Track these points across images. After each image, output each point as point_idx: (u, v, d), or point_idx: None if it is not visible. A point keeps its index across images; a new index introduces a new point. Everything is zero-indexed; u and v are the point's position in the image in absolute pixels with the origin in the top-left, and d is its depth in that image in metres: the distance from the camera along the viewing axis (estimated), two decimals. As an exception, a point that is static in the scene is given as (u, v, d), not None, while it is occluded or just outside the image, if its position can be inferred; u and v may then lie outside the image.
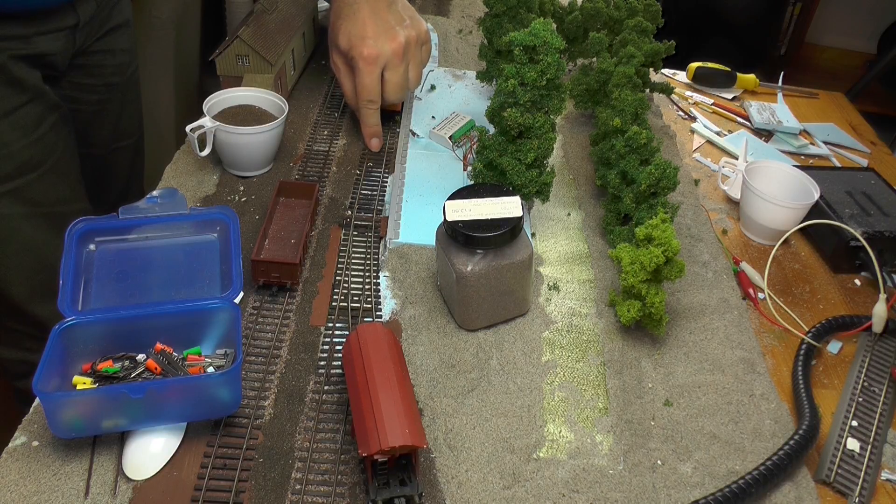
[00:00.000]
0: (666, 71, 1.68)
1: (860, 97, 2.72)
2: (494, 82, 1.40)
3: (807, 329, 1.03)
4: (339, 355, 0.92)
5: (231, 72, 1.30)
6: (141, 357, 0.84)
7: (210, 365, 0.84)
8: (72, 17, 1.22)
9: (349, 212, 1.15)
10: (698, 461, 0.83)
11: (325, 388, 0.88)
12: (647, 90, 1.35)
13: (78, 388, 0.79)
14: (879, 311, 1.02)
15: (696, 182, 1.32)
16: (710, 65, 1.65)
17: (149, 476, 0.76)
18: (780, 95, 1.64)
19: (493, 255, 0.91)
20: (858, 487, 0.83)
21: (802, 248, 1.21)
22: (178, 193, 1.01)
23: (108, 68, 1.38)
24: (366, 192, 1.20)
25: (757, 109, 1.56)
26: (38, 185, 1.23)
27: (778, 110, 1.57)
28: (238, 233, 0.96)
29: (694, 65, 1.66)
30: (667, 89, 1.36)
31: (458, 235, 0.90)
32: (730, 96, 1.64)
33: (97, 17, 1.30)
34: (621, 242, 1.00)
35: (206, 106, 1.17)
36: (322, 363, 0.91)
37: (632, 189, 1.05)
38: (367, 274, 1.04)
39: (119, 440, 0.79)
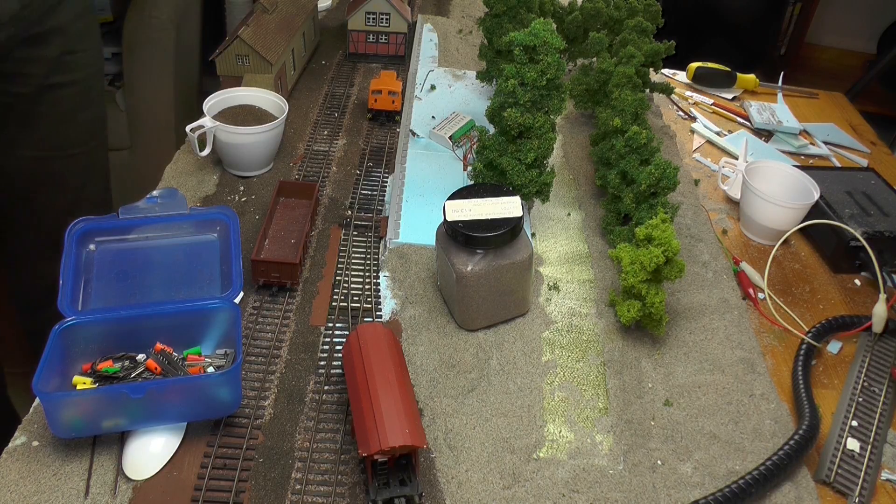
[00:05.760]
0: (666, 71, 1.68)
1: (860, 97, 2.71)
2: (494, 82, 1.40)
3: (807, 329, 1.03)
4: (339, 355, 0.92)
5: (231, 72, 1.30)
6: (141, 357, 0.84)
7: (210, 365, 0.84)
8: None
9: (349, 212, 1.15)
10: (698, 461, 0.83)
11: (325, 388, 0.88)
12: (647, 90, 1.35)
13: (78, 388, 0.79)
14: (879, 311, 1.02)
15: (696, 182, 1.32)
16: (710, 65, 1.65)
17: (149, 476, 0.76)
18: (780, 95, 1.64)
19: (493, 255, 0.91)
20: (858, 487, 0.83)
21: (802, 248, 1.21)
22: (178, 193, 1.01)
23: (35, 76, 1.32)
24: (366, 192, 1.20)
25: (757, 109, 1.56)
26: None
27: (778, 110, 1.57)
28: (238, 233, 0.96)
29: (694, 65, 1.66)
30: (667, 89, 1.36)
31: (458, 235, 0.90)
32: (730, 96, 1.64)
33: (25, 18, 1.24)
34: (621, 242, 1.00)
35: (206, 106, 1.17)
36: (322, 363, 0.91)
37: (632, 189, 1.05)
38: (367, 274, 1.04)
39: (119, 440, 0.79)
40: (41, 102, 1.36)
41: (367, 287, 1.02)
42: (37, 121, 1.37)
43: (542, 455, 0.82)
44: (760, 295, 1.10)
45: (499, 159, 1.04)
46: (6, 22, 1.22)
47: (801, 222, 1.15)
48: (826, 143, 1.51)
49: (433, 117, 1.35)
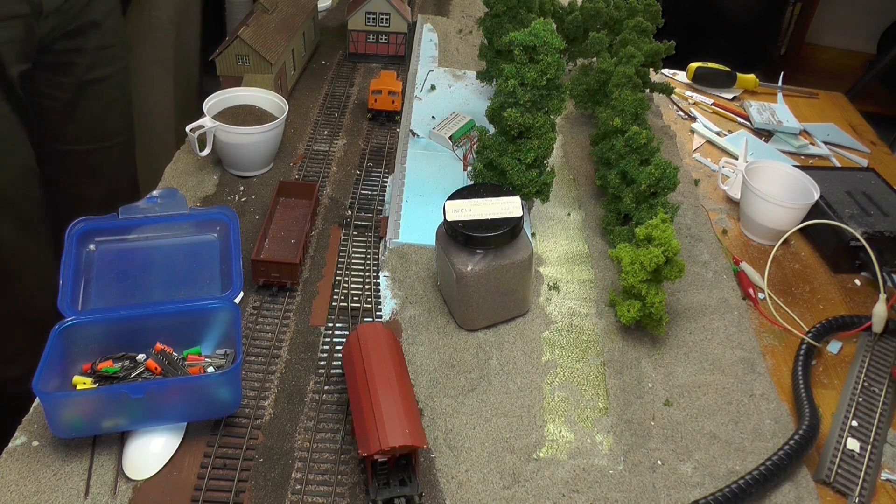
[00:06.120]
0: (666, 71, 1.68)
1: (860, 97, 2.71)
2: (494, 82, 1.40)
3: (807, 329, 1.03)
4: (339, 355, 0.92)
5: (231, 72, 1.30)
6: (141, 357, 0.84)
7: (210, 365, 0.84)
8: (23, 4, 1.21)
9: (349, 212, 1.15)
10: (698, 461, 0.83)
11: (325, 388, 0.88)
12: (647, 90, 1.35)
13: (78, 388, 0.79)
14: (879, 311, 1.02)
15: (696, 182, 1.32)
16: (710, 65, 1.65)
17: (149, 476, 0.76)
18: (780, 95, 1.64)
19: (493, 255, 0.91)
20: (858, 487, 0.83)
21: (802, 248, 1.21)
22: (178, 193, 1.01)
23: (79, 67, 1.37)
24: (366, 192, 1.20)
25: (757, 109, 1.56)
26: None
27: (778, 110, 1.57)
28: (238, 233, 0.96)
29: (694, 65, 1.66)
30: (667, 89, 1.36)
31: (458, 235, 0.90)
32: (730, 96, 1.64)
33: (66, 11, 1.30)
34: (621, 242, 1.00)
35: (206, 106, 1.17)
36: (322, 363, 0.91)
37: (632, 189, 1.05)
38: (367, 274, 1.04)
39: (119, 440, 0.79)
40: (82, 96, 1.41)
41: (367, 287, 1.02)
42: (78, 115, 1.42)
43: (542, 455, 0.82)
44: (760, 295, 1.10)
45: (499, 159, 1.04)
46: (52, 13, 1.27)
47: (801, 222, 1.15)
48: (826, 143, 1.51)
49: (433, 117, 1.35)
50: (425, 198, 1.15)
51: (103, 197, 1.52)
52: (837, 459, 0.86)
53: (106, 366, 0.82)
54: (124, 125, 1.55)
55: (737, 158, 1.38)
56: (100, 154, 1.50)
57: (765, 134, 1.52)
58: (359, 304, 0.99)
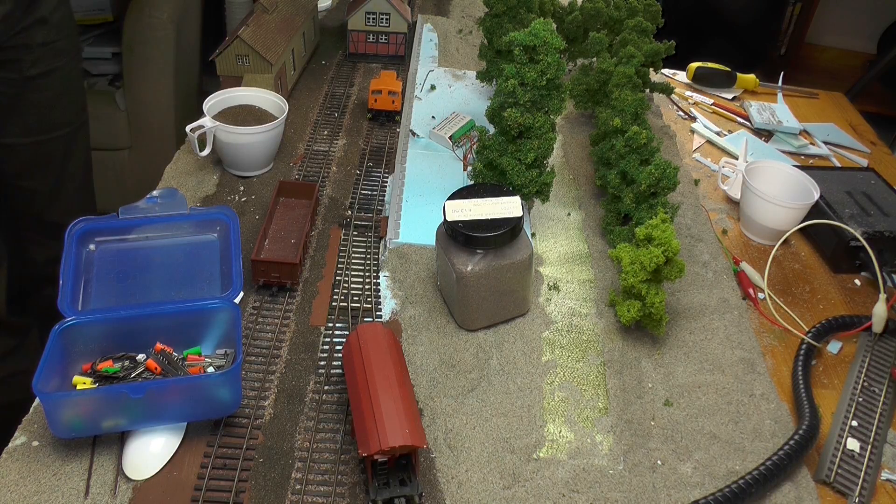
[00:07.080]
0: (666, 71, 1.68)
1: (860, 97, 2.71)
2: (494, 82, 1.40)
3: (807, 329, 1.03)
4: (339, 355, 0.92)
5: (231, 72, 1.30)
6: (141, 357, 0.84)
7: (210, 365, 0.84)
8: None
9: (349, 212, 1.15)
10: (698, 461, 0.83)
11: (325, 388, 0.88)
12: (647, 90, 1.35)
13: (78, 388, 0.79)
14: (879, 311, 1.02)
15: (696, 182, 1.32)
16: (710, 65, 1.65)
17: (149, 476, 0.76)
18: (780, 95, 1.64)
19: (493, 255, 0.91)
20: (858, 487, 0.83)
21: (802, 248, 1.21)
22: (178, 193, 1.01)
23: (24, 62, 1.37)
24: (366, 192, 1.20)
25: (757, 109, 1.56)
26: None
27: (778, 110, 1.57)
28: (238, 233, 0.96)
29: (694, 65, 1.66)
30: (667, 89, 1.36)
31: (458, 235, 0.90)
32: (730, 96, 1.64)
33: (12, 15, 1.30)
34: (621, 242, 1.00)
35: (206, 106, 1.17)
36: (322, 363, 0.91)
37: (632, 189, 1.05)
38: (367, 274, 1.04)
39: (119, 440, 0.79)
40: (30, 89, 1.40)
41: (367, 287, 1.02)
42: (26, 108, 1.42)
43: (542, 455, 0.82)
44: (760, 295, 1.10)
45: (499, 159, 1.04)
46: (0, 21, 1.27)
47: (801, 222, 1.15)
48: (826, 143, 1.51)
49: (433, 117, 1.35)
50: (425, 198, 1.15)
51: (52, 188, 1.52)
52: (837, 459, 0.86)
53: (106, 366, 0.82)
54: (73, 115, 1.54)
55: (737, 158, 1.38)
56: (48, 145, 1.49)
57: (765, 134, 1.52)
58: (359, 304, 0.99)
